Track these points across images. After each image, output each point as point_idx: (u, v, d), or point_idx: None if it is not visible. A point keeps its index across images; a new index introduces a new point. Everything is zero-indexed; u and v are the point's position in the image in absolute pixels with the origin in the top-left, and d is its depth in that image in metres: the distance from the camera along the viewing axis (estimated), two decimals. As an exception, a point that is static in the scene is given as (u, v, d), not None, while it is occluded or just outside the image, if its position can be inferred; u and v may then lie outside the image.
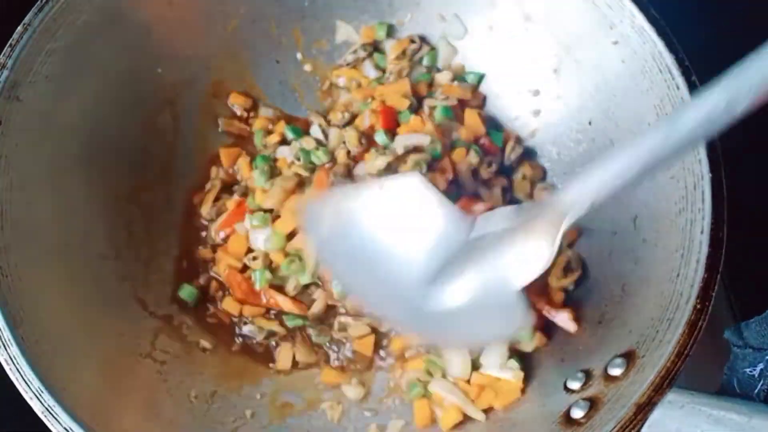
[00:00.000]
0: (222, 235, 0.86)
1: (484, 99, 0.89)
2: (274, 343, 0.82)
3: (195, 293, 0.84)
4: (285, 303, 0.82)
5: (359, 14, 0.90)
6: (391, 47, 0.90)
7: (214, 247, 0.86)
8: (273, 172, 0.86)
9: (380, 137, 0.84)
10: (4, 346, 0.63)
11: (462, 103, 0.86)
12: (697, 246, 0.63)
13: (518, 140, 0.85)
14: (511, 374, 0.74)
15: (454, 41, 0.89)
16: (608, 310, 0.71)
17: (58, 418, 0.61)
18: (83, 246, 0.76)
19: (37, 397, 0.62)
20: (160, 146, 0.87)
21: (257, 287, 0.83)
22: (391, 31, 0.90)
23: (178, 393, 0.75)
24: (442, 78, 0.88)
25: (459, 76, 0.89)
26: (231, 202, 0.86)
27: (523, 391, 0.73)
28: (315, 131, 0.89)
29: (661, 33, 0.70)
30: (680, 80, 0.68)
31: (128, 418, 0.68)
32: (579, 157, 0.81)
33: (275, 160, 0.87)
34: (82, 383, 0.66)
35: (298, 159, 0.84)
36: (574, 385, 0.66)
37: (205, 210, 0.87)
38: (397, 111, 0.86)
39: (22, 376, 0.62)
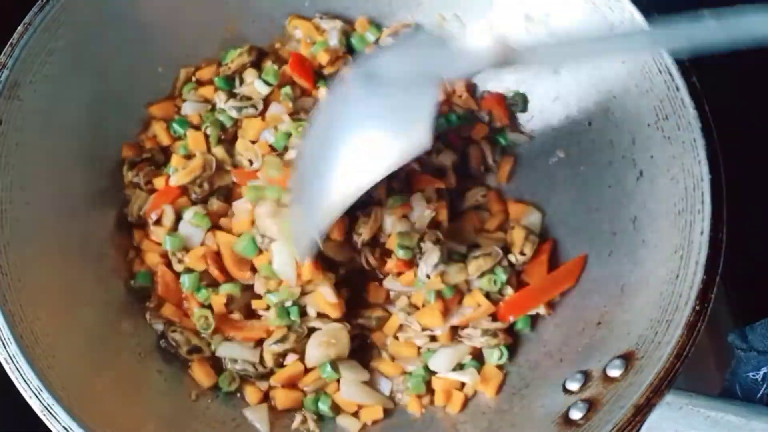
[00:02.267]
0: (154, 217, 0.81)
1: (474, 87, 0.89)
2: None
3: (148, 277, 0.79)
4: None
5: (359, 14, 0.90)
6: (385, 29, 0.89)
7: (144, 233, 0.81)
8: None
9: (286, 90, 0.84)
10: (4, 344, 0.63)
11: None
12: (697, 247, 0.63)
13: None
14: (468, 378, 0.75)
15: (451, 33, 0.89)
16: (607, 311, 0.71)
17: (57, 417, 0.61)
18: (83, 245, 0.76)
19: (36, 396, 0.62)
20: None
21: (184, 290, 0.78)
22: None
23: (178, 393, 0.75)
24: None
25: None
26: (159, 179, 0.82)
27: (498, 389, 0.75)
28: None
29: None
30: (680, 81, 0.68)
31: (128, 418, 0.68)
32: (579, 158, 0.81)
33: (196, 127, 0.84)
34: (81, 382, 0.66)
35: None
36: (573, 386, 0.66)
37: (128, 177, 0.82)
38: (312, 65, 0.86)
39: (21, 375, 0.62)
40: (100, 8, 0.78)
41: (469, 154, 0.86)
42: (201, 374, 0.76)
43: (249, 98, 0.84)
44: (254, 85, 0.85)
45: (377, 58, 0.69)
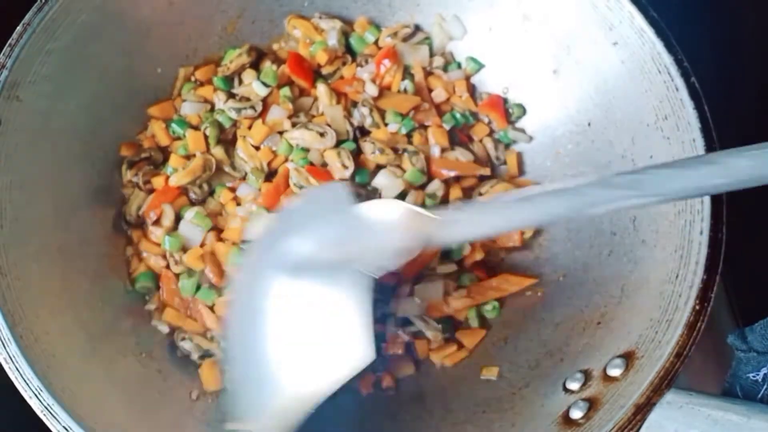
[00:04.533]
0: (153, 216, 0.80)
1: (473, 89, 0.89)
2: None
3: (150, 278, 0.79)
4: (209, 319, 0.77)
5: (358, 14, 0.90)
6: (384, 29, 0.90)
7: (142, 233, 0.81)
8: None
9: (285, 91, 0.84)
10: (3, 344, 0.63)
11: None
12: (696, 247, 0.63)
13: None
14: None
15: (453, 41, 0.89)
16: (607, 311, 0.71)
17: (57, 417, 0.61)
18: (83, 245, 0.76)
19: (36, 396, 0.62)
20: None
21: (183, 295, 0.78)
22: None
23: (178, 392, 0.75)
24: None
25: (453, 63, 0.90)
26: (158, 179, 0.82)
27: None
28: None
29: (661, 34, 0.70)
30: (679, 81, 0.68)
31: (127, 418, 0.68)
32: (579, 158, 0.81)
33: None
34: (81, 382, 0.66)
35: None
36: (573, 385, 0.66)
37: (127, 176, 0.82)
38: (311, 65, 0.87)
39: (21, 375, 0.62)
40: (99, 8, 0.78)
41: (475, 151, 0.86)
42: (209, 378, 0.76)
43: (248, 99, 0.84)
44: (252, 87, 0.85)
45: (300, 247, 0.65)
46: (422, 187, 0.82)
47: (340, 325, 0.60)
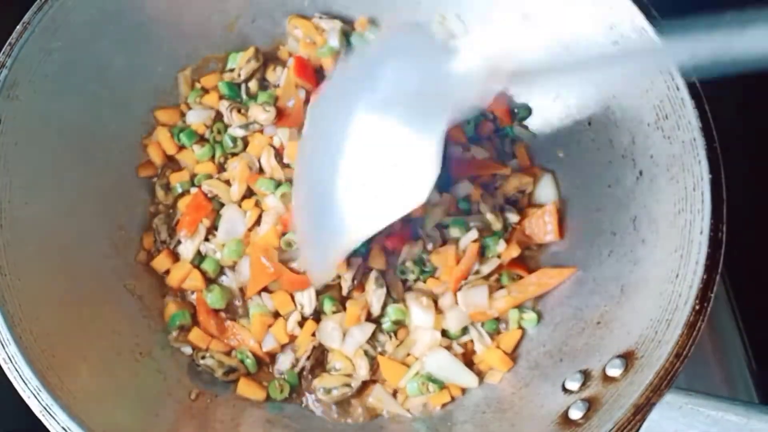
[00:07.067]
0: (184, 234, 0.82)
1: None
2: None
3: (184, 317, 0.79)
4: (247, 339, 0.78)
5: (359, 14, 0.90)
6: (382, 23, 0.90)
7: (173, 253, 0.83)
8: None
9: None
10: (2, 345, 0.63)
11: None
12: (696, 247, 0.63)
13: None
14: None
15: (454, 39, 0.89)
16: (607, 311, 0.71)
17: (55, 417, 0.61)
18: (82, 245, 0.76)
19: (35, 396, 0.62)
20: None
21: (213, 306, 0.79)
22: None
23: (178, 392, 0.75)
24: None
25: None
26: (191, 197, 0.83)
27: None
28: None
29: (662, 33, 0.70)
30: (680, 81, 0.68)
31: (127, 418, 0.68)
32: (579, 157, 0.81)
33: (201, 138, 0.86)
34: (80, 382, 0.66)
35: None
36: (573, 385, 0.66)
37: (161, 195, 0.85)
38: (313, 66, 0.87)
39: (20, 375, 0.62)
40: (98, 8, 0.78)
41: (486, 148, 0.86)
42: (250, 391, 0.77)
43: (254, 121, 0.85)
44: (252, 112, 0.85)
45: (384, 73, 0.67)
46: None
47: (410, 161, 0.63)
